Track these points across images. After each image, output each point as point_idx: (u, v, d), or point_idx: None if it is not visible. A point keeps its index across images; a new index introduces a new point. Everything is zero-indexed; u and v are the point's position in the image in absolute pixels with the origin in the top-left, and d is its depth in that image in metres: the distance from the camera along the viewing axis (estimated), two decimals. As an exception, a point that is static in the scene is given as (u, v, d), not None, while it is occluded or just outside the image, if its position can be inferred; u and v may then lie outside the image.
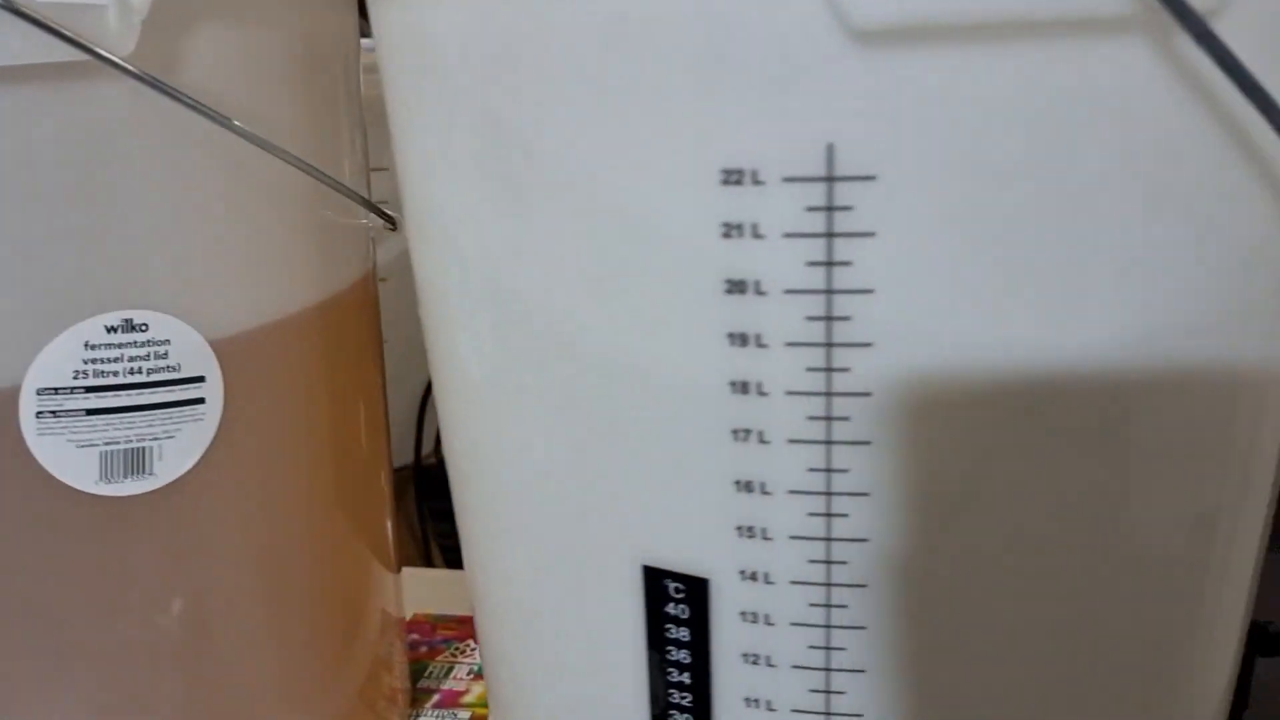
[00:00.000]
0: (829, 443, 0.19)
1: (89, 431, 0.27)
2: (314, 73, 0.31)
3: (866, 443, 0.19)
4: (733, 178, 0.18)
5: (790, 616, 0.21)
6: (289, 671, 0.35)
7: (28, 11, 0.23)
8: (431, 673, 0.44)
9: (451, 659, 0.45)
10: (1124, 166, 0.17)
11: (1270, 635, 0.36)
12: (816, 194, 0.17)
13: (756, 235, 0.18)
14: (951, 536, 0.20)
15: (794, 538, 0.20)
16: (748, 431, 0.20)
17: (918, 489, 0.19)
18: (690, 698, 0.22)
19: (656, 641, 0.22)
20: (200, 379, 0.28)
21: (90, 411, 0.27)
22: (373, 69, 0.34)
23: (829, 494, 0.20)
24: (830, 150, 0.17)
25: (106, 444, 0.27)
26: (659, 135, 0.18)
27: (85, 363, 0.27)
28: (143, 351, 0.27)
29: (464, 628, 0.48)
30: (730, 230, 0.18)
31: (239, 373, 0.29)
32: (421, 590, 0.50)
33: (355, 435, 0.36)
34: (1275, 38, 0.17)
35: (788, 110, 0.17)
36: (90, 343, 0.27)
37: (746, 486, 0.20)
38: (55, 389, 0.26)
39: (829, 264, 0.18)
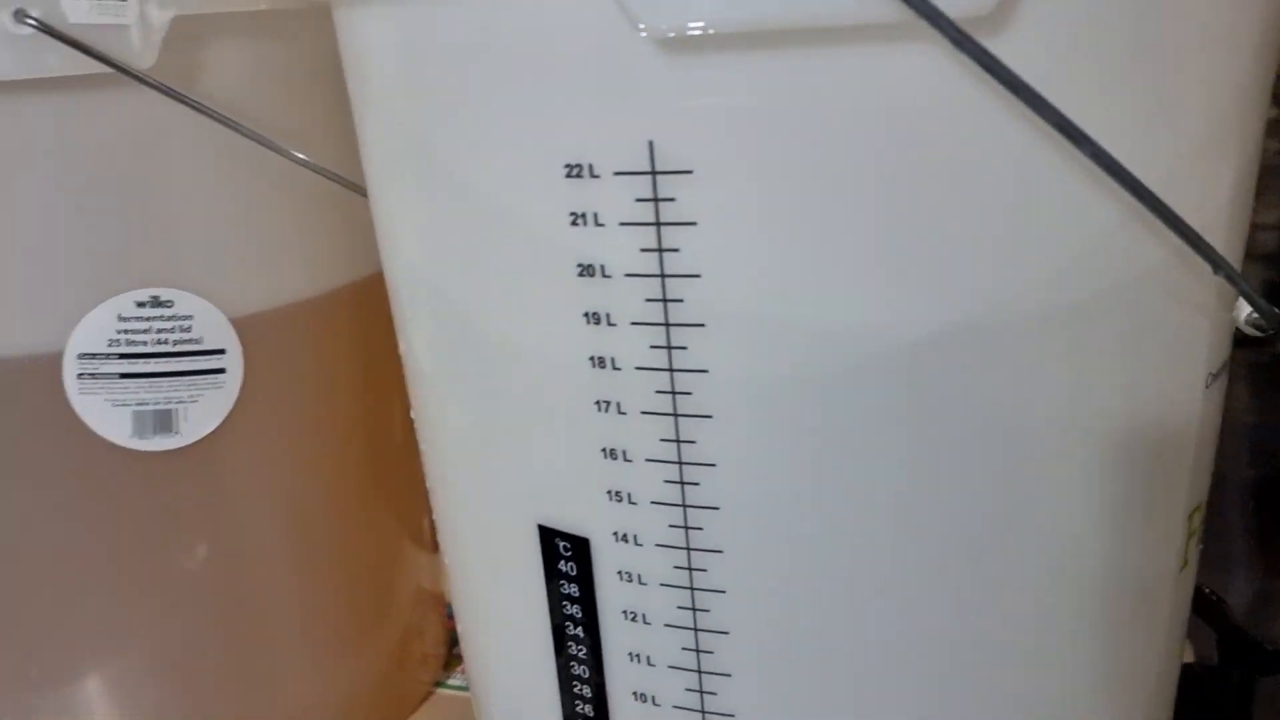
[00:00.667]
0: (676, 415, 0.21)
1: (122, 393, 0.31)
2: (329, 81, 0.35)
3: (709, 416, 0.21)
4: (574, 171, 0.20)
5: (659, 577, 0.23)
6: (320, 630, 0.39)
7: (61, 31, 0.27)
8: (471, 641, 0.47)
9: (495, 631, 0.48)
10: (911, 161, 0.18)
11: (1269, 655, 0.35)
12: (643, 186, 0.19)
13: (598, 224, 0.20)
14: (795, 504, 0.21)
15: (654, 503, 0.22)
16: (608, 403, 0.21)
17: (759, 460, 0.21)
18: (584, 650, 0.24)
19: (554, 596, 0.24)
20: (221, 351, 0.32)
21: (123, 375, 0.31)
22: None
23: (680, 463, 0.21)
24: (651, 147, 0.19)
25: (138, 404, 0.32)
26: (516, 135, 0.20)
27: (119, 332, 0.31)
28: (168, 325, 0.31)
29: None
30: (577, 219, 0.20)
31: (259, 347, 0.33)
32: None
33: (389, 417, 0.40)
34: (1055, 40, 0.18)
35: (613, 110, 0.19)
36: (123, 315, 0.31)
37: (611, 454, 0.22)
38: (93, 354, 0.31)
39: (660, 250, 0.20)
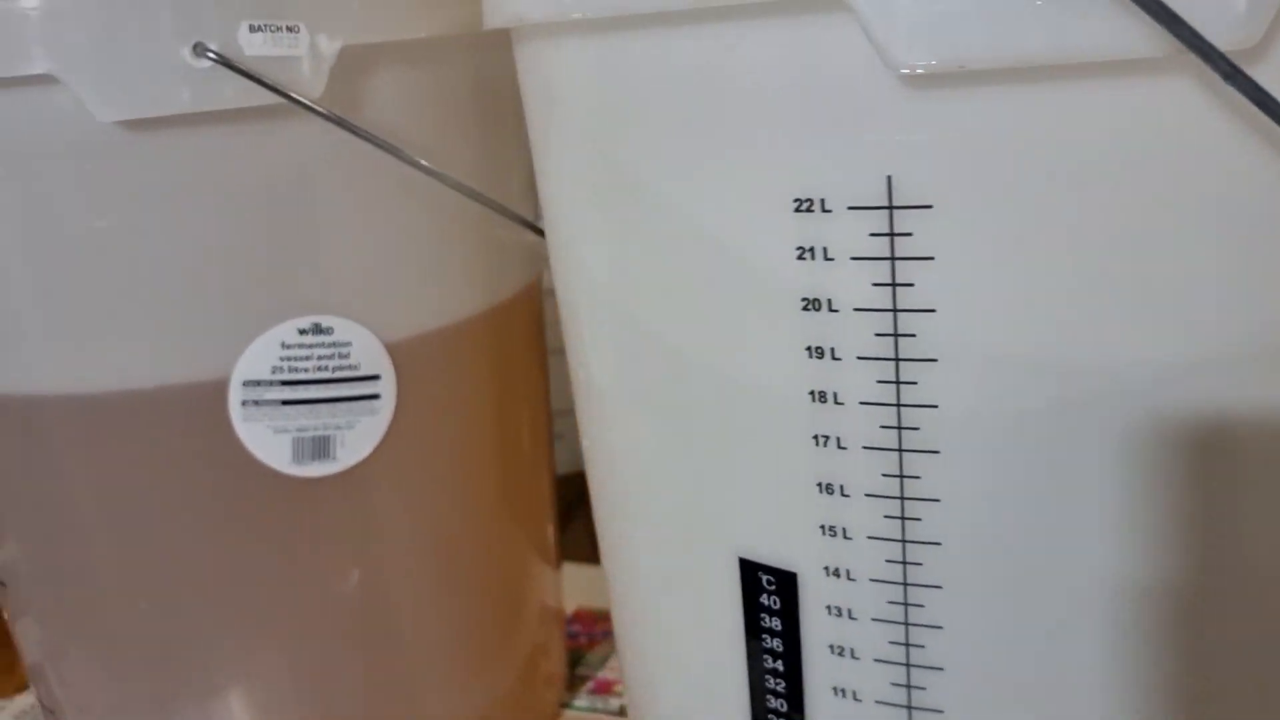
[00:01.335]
0: (900, 450, 0.21)
1: (284, 419, 0.31)
2: (485, 104, 0.35)
3: (936, 451, 0.20)
4: (804, 206, 0.20)
5: (871, 612, 0.22)
6: (456, 650, 0.39)
7: (238, 64, 0.27)
8: (589, 661, 0.47)
9: (609, 650, 0.48)
10: (1160, 194, 0.18)
11: None
12: (879, 221, 0.19)
13: (827, 258, 0.20)
14: (1022, 539, 0.21)
15: (871, 538, 0.22)
16: (826, 438, 0.21)
17: (986, 496, 0.20)
18: (784, 685, 0.24)
19: (753, 629, 0.24)
20: (376, 377, 0.32)
21: (285, 402, 0.31)
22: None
23: (902, 498, 0.21)
24: (889, 182, 0.19)
25: (298, 431, 0.32)
26: (742, 169, 0.20)
27: (281, 359, 0.31)
28: (328, 351, 0.31)
29: (627, 621, 0.51)
30: (804, 253, 0.20)
31: (411, 372, 0.33)
32: (590, 585, 0.53)
33: (519, 437, 0.40)
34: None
35: (850, 146, 0.19)
36: (286, 342, 0.31)
37: (828, 489, 0.22)
38: (257, 381, 0.31)
39: (893, 285, 0.19)
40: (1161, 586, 0.20)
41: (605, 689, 0.45)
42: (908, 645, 0.22)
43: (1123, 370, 0.19)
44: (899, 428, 0.20)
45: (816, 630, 0.23)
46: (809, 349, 0.21)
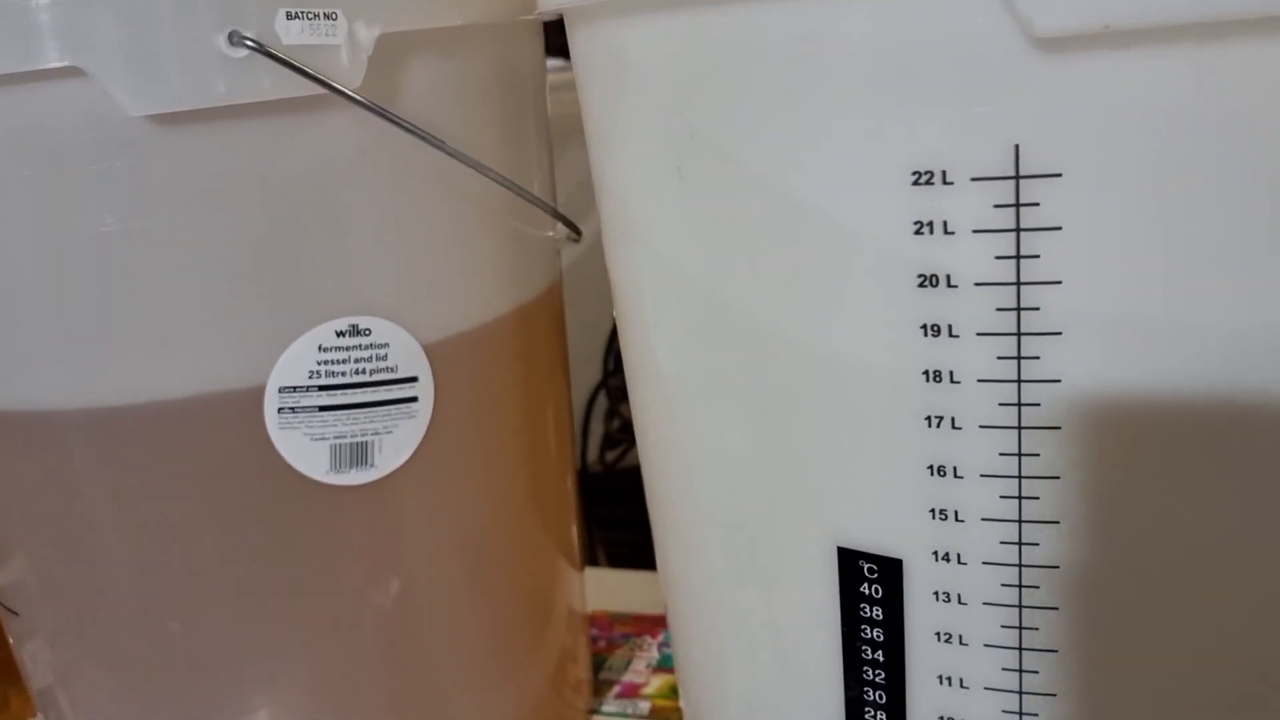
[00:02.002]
0: (1019, 428, 0.20)
1: (321, 426, 0.30)
2: (509, 95, 0.34)
3: (1056, 428, 0.20)
4: (923, 178, 0.19)
5: (982, 596, 0.22)
6: (486, 657, 0.38)
7: (276, 53, 0.26)
8: (611, 665, 0.46)
9: (630, 653, 0.47)
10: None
11: None
12: (1004, 192, 0.18)
13: (947, 232, 0.19)
14: (1144, 523, 0.20)
15: (986, 519, 0.21)
16: (940, 418, 0.21)
17: (1107, 474, 0.20)
18: (884, 675, 0.23)
19: (850, 621, 0.23)
20: (414, 379, 0.31)
21: (322, 408, 0.30)
22: (557, 88, 0.36)
23: (1020, 478, 0.20)
24: (1017, 150, 0.18)
25: (336, 438, 0.30)
26: (851, 140, 0.20)
27: (319, 364, 0.30)
28: (366, 354, 0.30)
29: (640, 624, 0.50)
30: (921, 227, 0.19)
31: (447, 374, 0.32)
32: (598, 589, 0.52)
33: (545, 437, 0.39)
34: None
35: (974, 115, 0.18)
36: (323, 345, 0.30)
37: (939, 471, 0.21)
38: (294, 387, 0.30)
39: (1018, 257, 0.19)
40: (1303, 555, 0.20)
41: (632, 692, 0.44)
42: (1020, 629, 0.22)
43: (1260, 335, 0.18)
44: (1019, 404, 0.20)
45: (922, 617, 0.22)
46: (924, 327, 0.20)
